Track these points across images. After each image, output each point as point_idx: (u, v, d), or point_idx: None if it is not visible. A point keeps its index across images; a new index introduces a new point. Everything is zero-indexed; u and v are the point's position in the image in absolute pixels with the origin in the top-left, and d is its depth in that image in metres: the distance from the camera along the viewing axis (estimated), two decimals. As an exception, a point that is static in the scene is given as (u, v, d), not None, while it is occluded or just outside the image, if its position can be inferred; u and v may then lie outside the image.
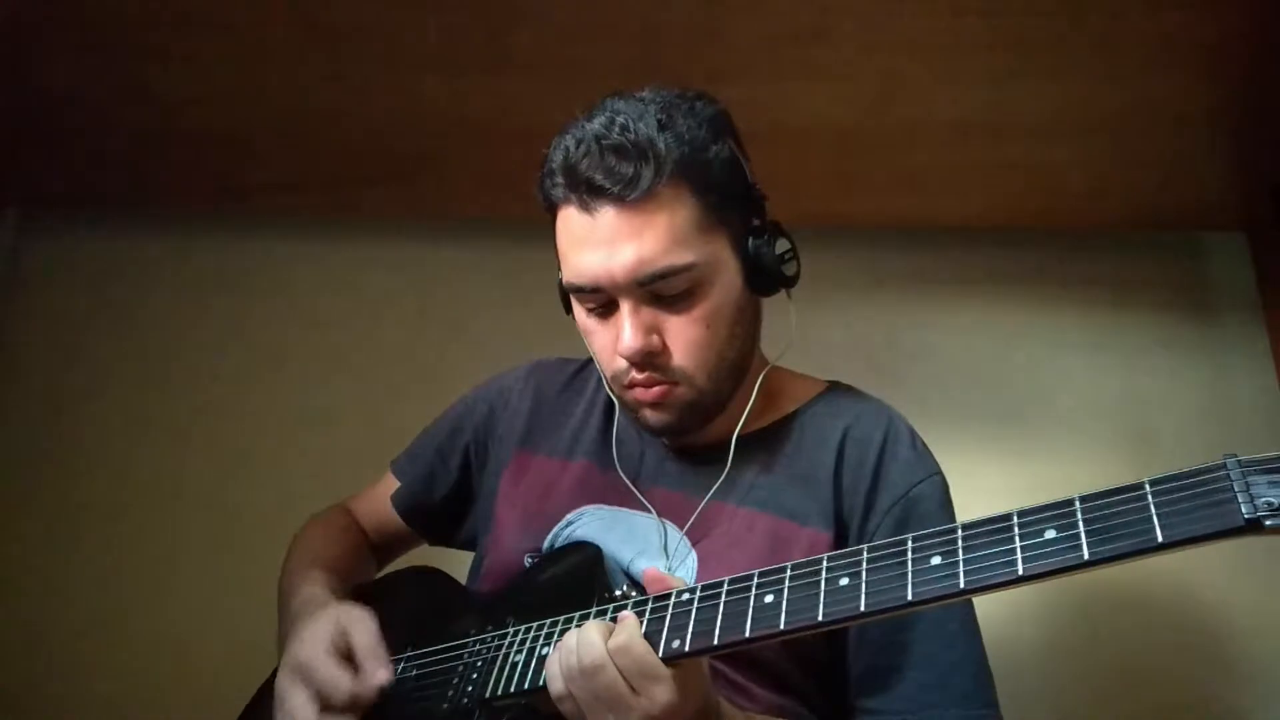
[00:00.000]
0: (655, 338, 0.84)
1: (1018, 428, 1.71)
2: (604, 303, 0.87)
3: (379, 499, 1.13)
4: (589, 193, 0.82)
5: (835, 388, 1.00)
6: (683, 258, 0.83)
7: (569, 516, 0.93)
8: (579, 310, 0.91)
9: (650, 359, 0.85)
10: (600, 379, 1.04)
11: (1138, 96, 1.41)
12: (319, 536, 1.09)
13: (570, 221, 0.85)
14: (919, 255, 1.81)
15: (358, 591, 1.03)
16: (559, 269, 0.92)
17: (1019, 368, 1.75)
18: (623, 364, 0.86)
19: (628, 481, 0.94)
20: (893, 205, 1.71)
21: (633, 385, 0.87)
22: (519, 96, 1.45)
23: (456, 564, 1.06)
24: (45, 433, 1.80)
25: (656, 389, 0.86)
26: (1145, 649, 1.56)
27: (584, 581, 0.84)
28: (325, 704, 0.78)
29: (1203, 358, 1.73)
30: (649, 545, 0.89)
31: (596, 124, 0.85)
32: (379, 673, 0.79)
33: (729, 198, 0.88)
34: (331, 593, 0.93)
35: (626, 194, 0.81)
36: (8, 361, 1.84)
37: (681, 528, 0.89)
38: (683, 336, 0.85)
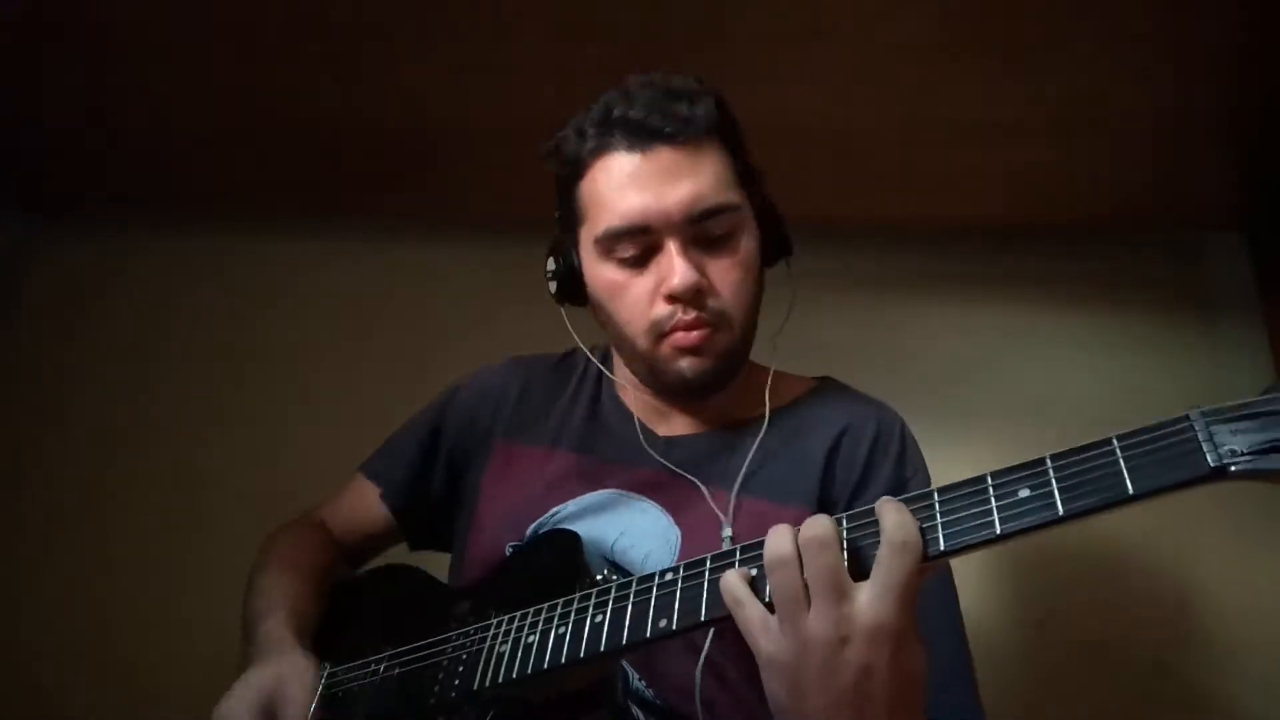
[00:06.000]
0: (703, 277, 0.86)
1: (1016, 428, 1.70)
2: (644, 248, 0.87)
3: (355, 504, 1.07)
4: (642, 134, 0.85)
5: (828, 382, 1.01)
6: (731, 198, 0.87)
7: (555, 509, 0.92)
8: (606, 267, 0.89)
9: (699, 297, 0.86)
10: (585, 367, 1.05)
11: (1138, 96, 1.41)
12: (290, 553, 1.01)
13: (615, 166, 0.86)
14: (919, 255, 1.81)
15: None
16: (566, 241, 0.94)
17: (1018, 368, 1.75)
18: (663, 310, 0.86)
19: (614, 466, 0.94)
20: (893, 205, 1.71)
21: (674, 331, 0.87)
22: (519, 96, 1.45)
23: (433, 561, 1.04)
24: (46, 431, 1.80)
25: (698, 332, 0.86)
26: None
27: (564, 569, 0.83)
28: None
29: (1202, 358, 1.73)
30: (635, 528, 0.89)
31: (634, 82, 0.88)
32: None
33: (748, 167, 0.93)
34: (296, 634, 0.86)
35: (682, 133, 0.85)
36: (9, 360, 1.85)
37: (670, 512, 0.89)
38: (726, 279, 0.87)
